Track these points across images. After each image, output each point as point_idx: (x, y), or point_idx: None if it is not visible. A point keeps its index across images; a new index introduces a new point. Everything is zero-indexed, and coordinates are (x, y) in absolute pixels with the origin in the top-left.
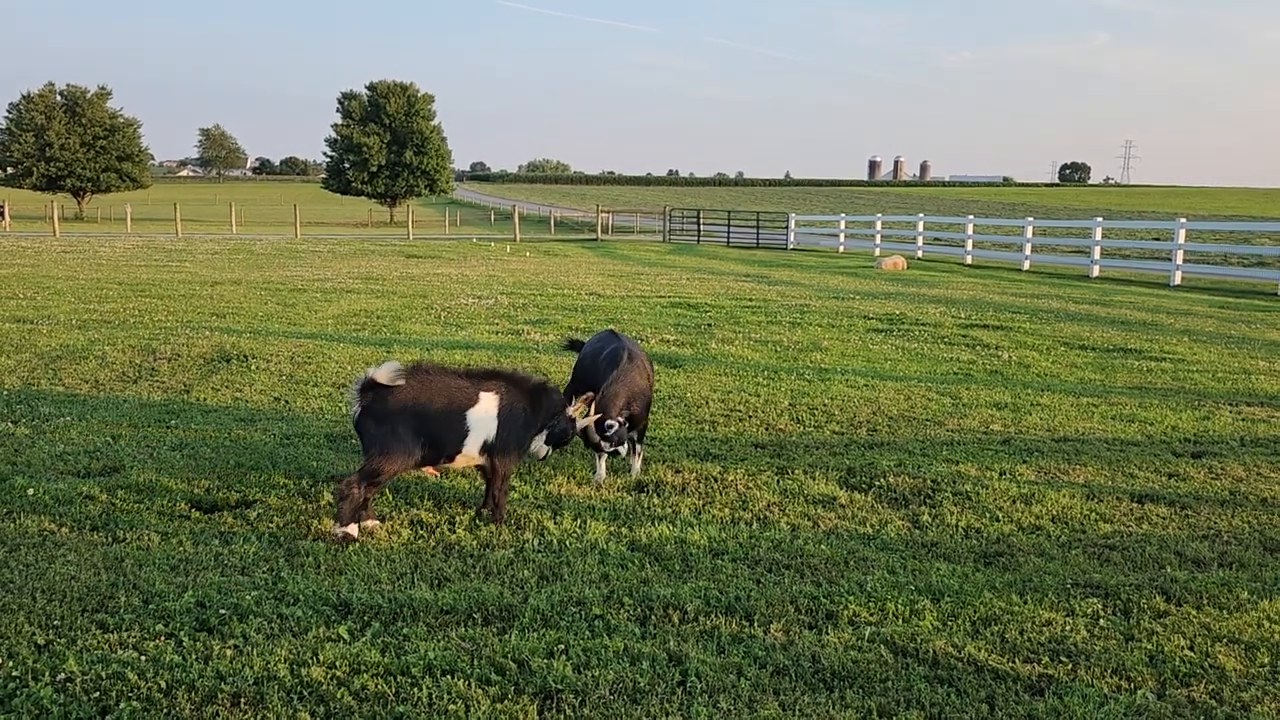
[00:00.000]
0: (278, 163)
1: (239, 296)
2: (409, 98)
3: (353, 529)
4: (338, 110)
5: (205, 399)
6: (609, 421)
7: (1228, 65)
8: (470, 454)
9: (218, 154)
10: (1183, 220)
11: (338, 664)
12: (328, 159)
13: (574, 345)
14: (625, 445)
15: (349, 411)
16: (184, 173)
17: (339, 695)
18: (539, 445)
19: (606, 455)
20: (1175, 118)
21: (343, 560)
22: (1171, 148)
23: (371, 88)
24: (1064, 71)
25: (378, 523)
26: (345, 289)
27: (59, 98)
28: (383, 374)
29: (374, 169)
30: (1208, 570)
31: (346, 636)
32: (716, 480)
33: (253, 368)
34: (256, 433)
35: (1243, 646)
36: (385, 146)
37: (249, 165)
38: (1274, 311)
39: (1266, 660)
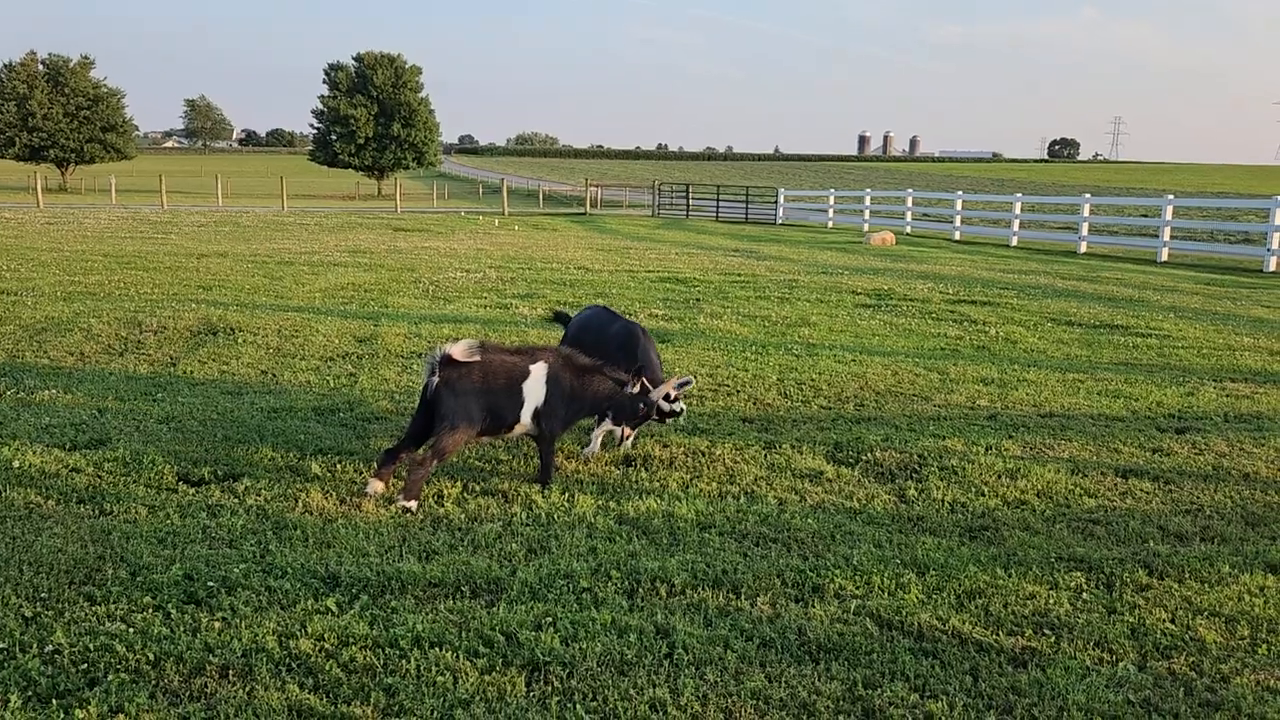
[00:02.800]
0: (264, 134)
1: (225, 269)
2: (396, 69)
3: (414, 503)
4: (324, 82)
5: (192, 372)
6: (672, 393)
7: (1216, 42)
8: (525, 423)
9: (203, 125)
10: (1170, 197)
11: (326, 636)
12: (314, 131)
13: (559, 317)
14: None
15: (425, 383)
16: (169, 144)
17: (327, 667)
18: (605, 428)
19: (604, 430)
20: (1164, 94)
21: (331, 533)
22: (1160, 124)
23: (359, 59)
24: (1054, 47)
25: (381, 485)
26: (332, 262)
27: (41, 67)
28: (459, 350)
29: (361, 141)
30: (1190, 544)
31: (335, 609)
32: (704, 454)
33: (240, 341)
34: (244, 406)
35: (1223, 620)
36: (372, 119)
37: (235, 137)
38: (1259, 288)
39: (1246, 633)
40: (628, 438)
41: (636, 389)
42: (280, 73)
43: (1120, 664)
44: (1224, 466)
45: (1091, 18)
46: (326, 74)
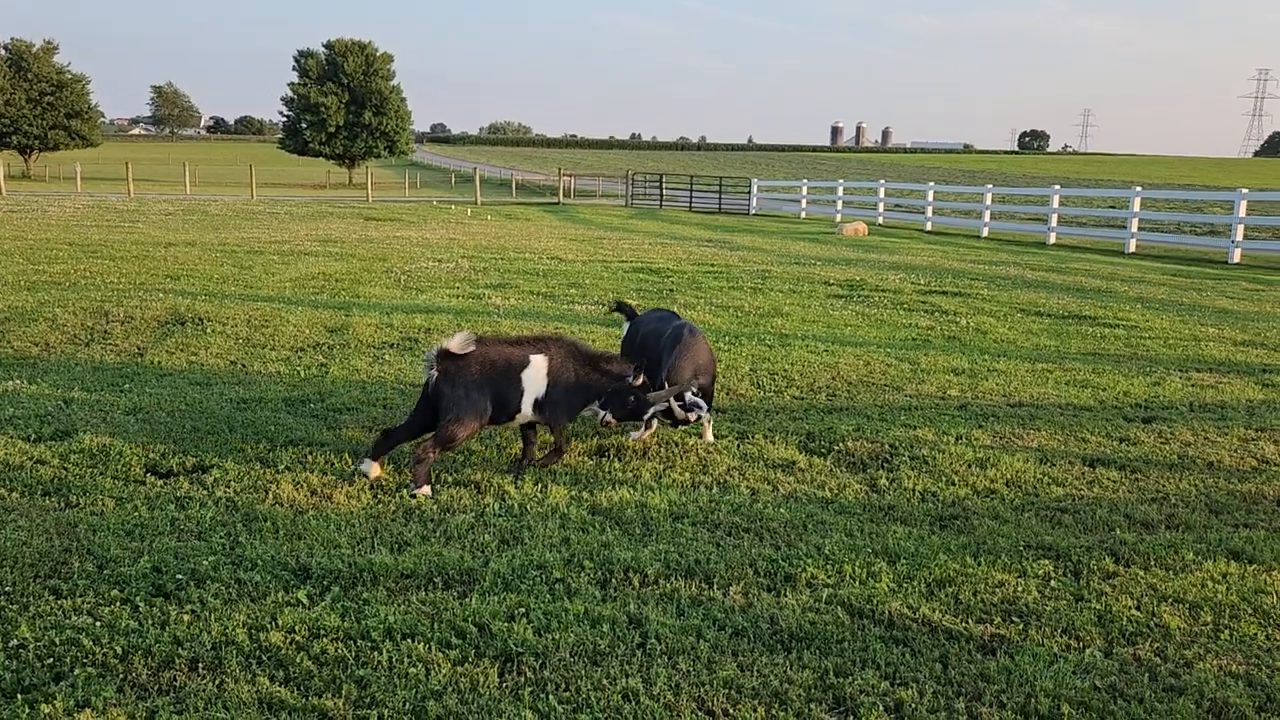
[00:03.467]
0: (233, 122)
1: (194, 258)
2: (367, 57)
3: (426, 489)
4: (294, 69)
5: (160, 362)
6: (688, 398)
7: (1183, 36)
8: (526, 412)
9: (171, 112)
10: (1138, 189)
11: (297, 628)
12: (284, 119)
13: (622, 308)
14: (699, 413)
15: (425, 378)
16: (135, 131)
17: (298, 659)
18: (601, 413)
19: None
20: (1132, 87)
21: (301, 525)
22: (1128, 117)
23: (329, 46)
24: (1024, 39)
25: (377, 469)
26: (303, 251)
27: (3, 51)
28: (455, 344)
29: (332, 129)
30: (1155, 532)
31: (306, 601)
32: (677, 445)
33: (208, 331)
34: (213, 397)
35: (1187, 606)
36: (343, 106)
37: (203, 124)
38: (1224, 279)
39: (1209, 619)
40: (646, 431)
41: (638, 382)
42: (250, 60)
43: (1087, 650)
44: (1189, 455)
45: (1061, 10)
46: (296, 61)
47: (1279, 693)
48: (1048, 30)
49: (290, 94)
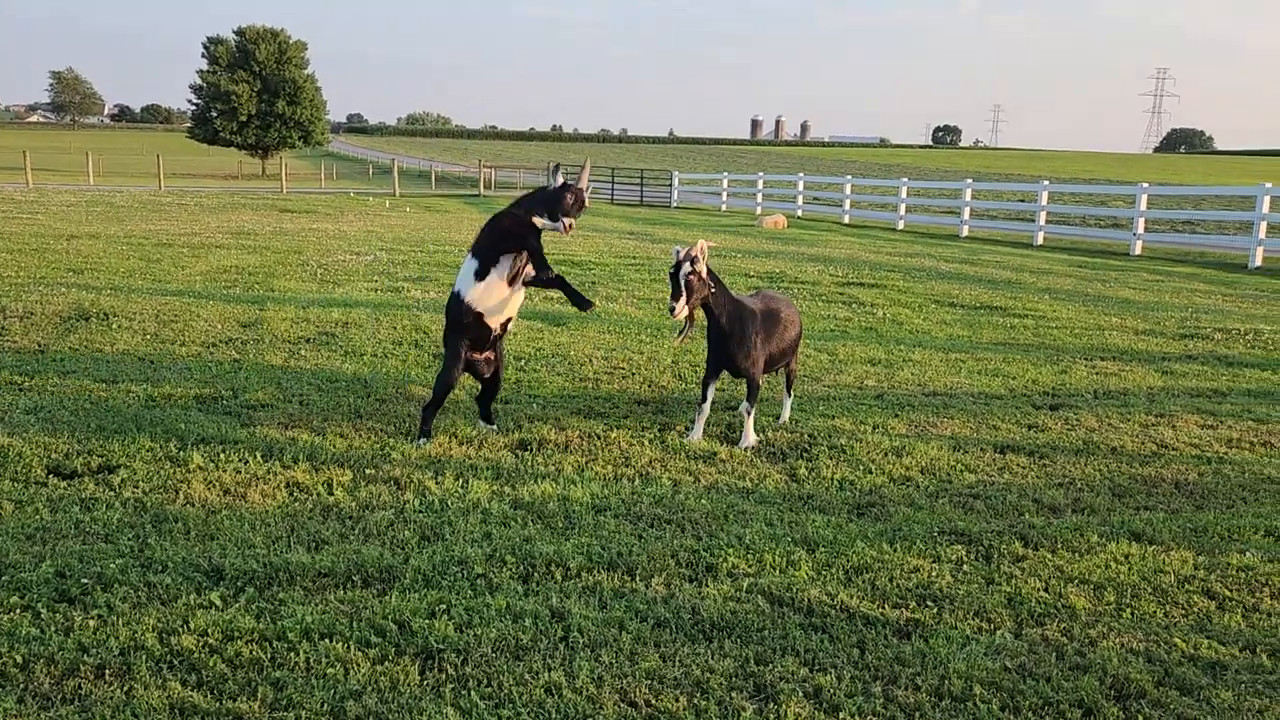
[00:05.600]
0: (138, 110)
1: (98, 251)
2: (280, 45)
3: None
4: (203, 56)
5: (62, 360)
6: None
7: (1088, 34)
8: None
9: (71, 99)
10: (1045, 183)
11: (210, 631)
12: (193, 107)
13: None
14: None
15: None
16: (34, 119)
17: (211, 663)
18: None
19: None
20: (1040, 84)
21: (214, 525)
22: (1037, 112)
23: (240, 33)
24: (939, 36)
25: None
26: (214, 244)
27: None
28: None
29: (243, 119)
30: (1062, 516)
31: (219, 603)
32: (600, 437)
33: (114, 327)
34: (119, 395)
35: (1092, 587)
36: (255, 95)
37: (107, 112)
38: (1127, 270)
39: (1113, 599)
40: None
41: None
42: (156, 46)
43: (998, 632)
44: (1093, 441)
45: (973, 8)
46: (205, 48)
47: (1176, 667)
48: (960, 27)
49: (199, 82)
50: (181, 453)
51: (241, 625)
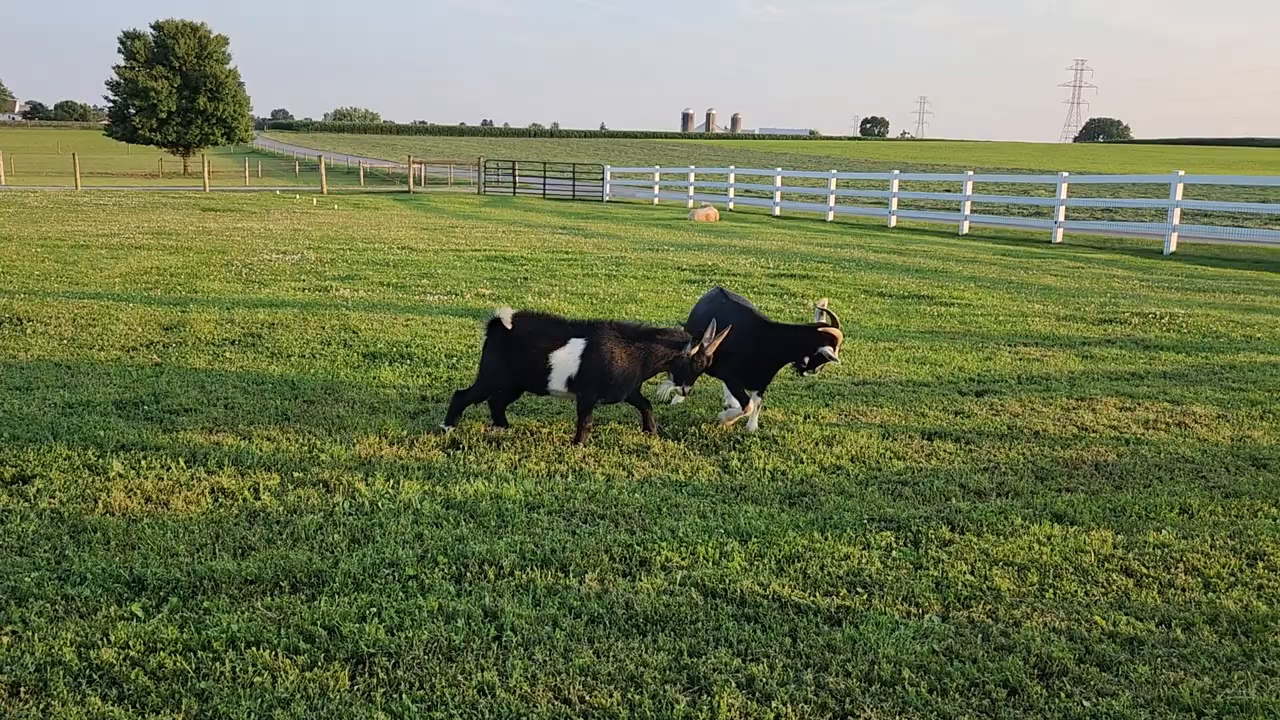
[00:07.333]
0: (52, 107)
1: (10, 254)
2: (200, 39)
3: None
4: (120, 51)
5: None
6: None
7: (1009, 25)
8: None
9: None
10: (970, 173)
11: (131, 643)
12: (110, 104)
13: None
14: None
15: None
16: None
17: (133, 676)
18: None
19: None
20: (965, 75)
21: (135, 534)
22: (961, 103)
23: (157, 27)
24: (865, 28)
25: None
26: (134, 245)
27: None
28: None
29: (163, 115)
30: (987, 500)
31: (141, 614)
32: (532, 434)
33: (29, 332)
34: (34, 402)
35: (1016, 568)
36: (175, 91)
37: (18, 109)
38: (1049, 258)
39: (1036, 579)
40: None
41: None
42: (69, 40)
43: (926, 616)
44: (1017, 425)
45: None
46: (122, 43)
47: (1096, 645)
48: (887, 18)
49: (116, 78)
50: (100, 460)
51: (164, 636)
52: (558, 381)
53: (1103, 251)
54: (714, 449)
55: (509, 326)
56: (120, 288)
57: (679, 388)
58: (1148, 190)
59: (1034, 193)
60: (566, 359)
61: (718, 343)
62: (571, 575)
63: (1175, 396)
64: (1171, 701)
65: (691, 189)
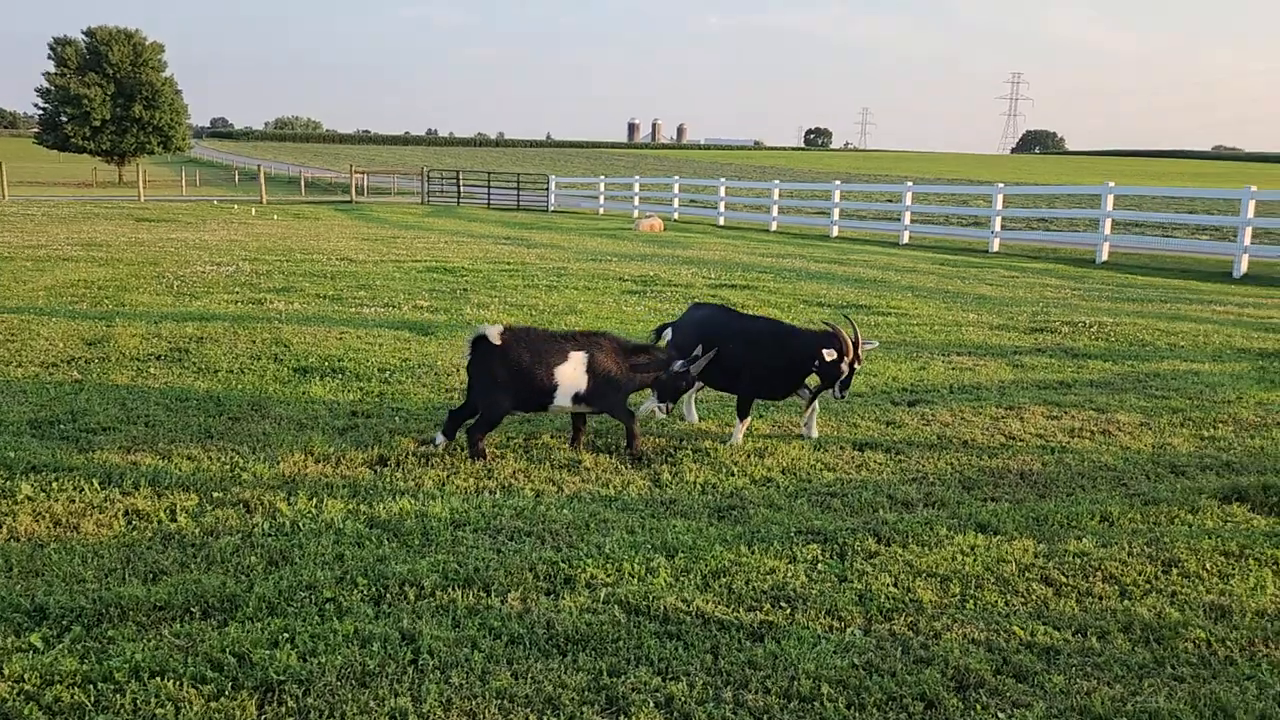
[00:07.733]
0: None
1: None
2: (135, 46)
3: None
4: (50, 58)
5: None
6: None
7: (947, 38)
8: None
9: None
10: (909, 184)
11: (27, 676)
12: (40, 112)
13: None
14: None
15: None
16: None
17: (26, 711)
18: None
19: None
20: (906, 87)
21: (40, 560)
22: (902, 115)
23: (90, 34)
24: (809, 41)
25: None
26: (62, 257)
27: None
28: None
29: (97, 123)
30: (914, 510)
31: (40, 645)
32: (462, 449)
33: None
34: None
35: (939, 579)
36: (109, 99)
37: None
38: (985, 268)
39: (957, 590)
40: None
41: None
42: None
43: (848, 630)
44: (947, 435)
45: (841, 13)
46: (52, 49)
47: (1014, 655)
48: (829, 31)
49: (47, 85)
50: (9, 483)
51: (64, 668)
52: (563, 397)
53: (1038, 260)
54: (646, 462)
55: (497, 342)
56: (44, 301)
57: (661, 405)
58: (1081, 200)
59: (972, 203)
60: (573, 374)
61: (703, 363)
62: (494, 595)
63: (1101, 405)
64: (1084, 711)
65: (637, 199)
